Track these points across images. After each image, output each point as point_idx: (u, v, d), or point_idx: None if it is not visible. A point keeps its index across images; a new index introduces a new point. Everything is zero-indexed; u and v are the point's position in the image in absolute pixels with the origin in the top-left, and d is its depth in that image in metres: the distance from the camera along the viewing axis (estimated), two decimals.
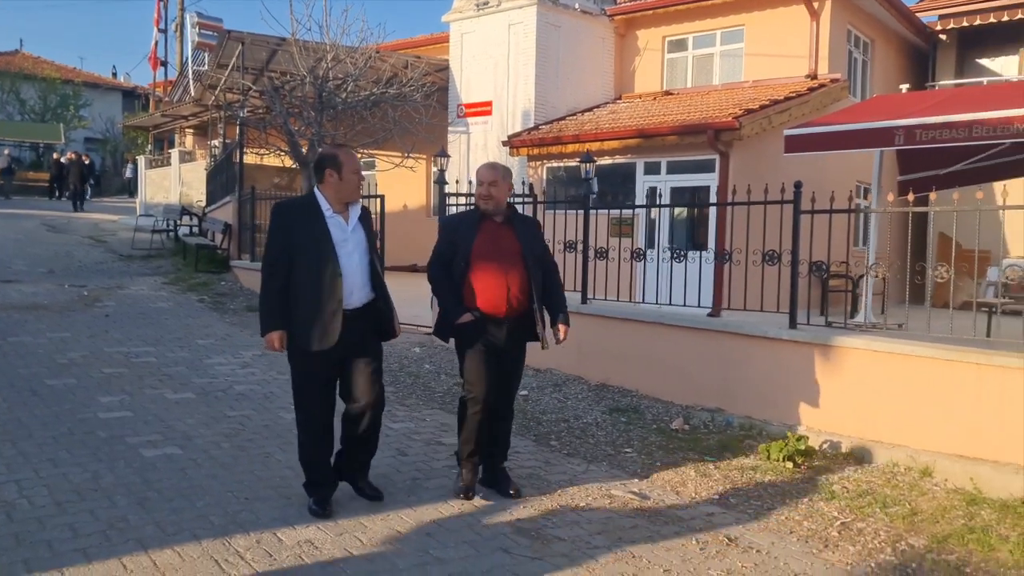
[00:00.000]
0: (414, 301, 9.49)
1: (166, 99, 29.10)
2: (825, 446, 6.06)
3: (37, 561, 3.75)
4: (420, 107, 14.77)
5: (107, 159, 39.99)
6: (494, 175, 4.78)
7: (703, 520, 4.72)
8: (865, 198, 13.76)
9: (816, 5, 13.49)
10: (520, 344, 4.90)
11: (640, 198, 12.60)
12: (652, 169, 13.12)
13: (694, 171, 12.60)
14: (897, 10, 14.88)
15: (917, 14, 15.84)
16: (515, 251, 4.74)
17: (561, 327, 4.89)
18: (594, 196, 8.94)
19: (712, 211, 11.51)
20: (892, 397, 5.92)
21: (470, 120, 15.64)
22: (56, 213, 23.92)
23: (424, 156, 17.07)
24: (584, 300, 8.16)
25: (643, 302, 8.33)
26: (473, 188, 5.12)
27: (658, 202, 10.29)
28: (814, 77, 13.42)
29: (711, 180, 12.11)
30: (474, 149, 15.51)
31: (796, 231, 6.65)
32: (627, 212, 10.90)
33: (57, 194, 29.59)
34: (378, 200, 10.89)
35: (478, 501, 4.81)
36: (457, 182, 11.36)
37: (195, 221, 19.46)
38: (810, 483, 5.43)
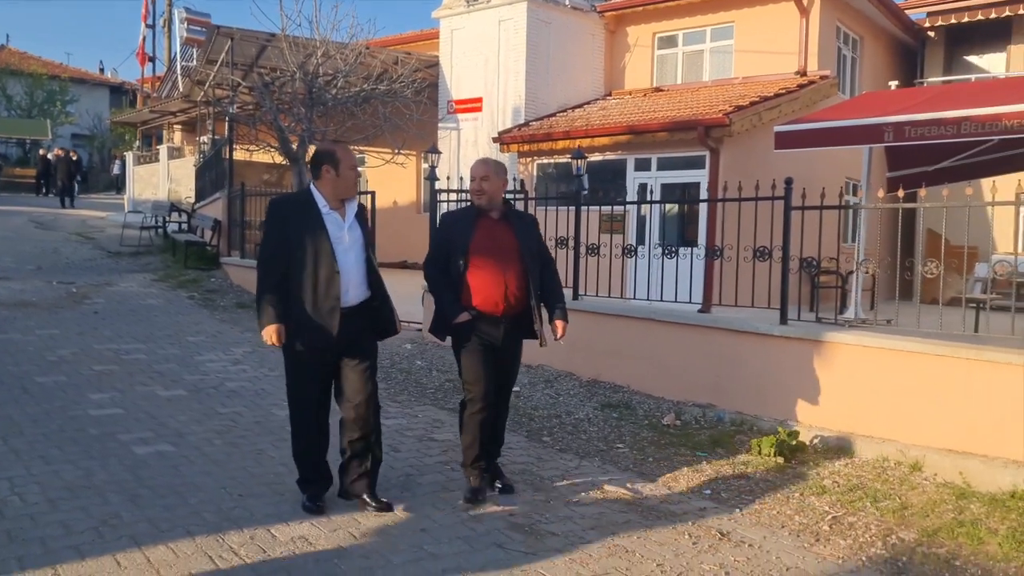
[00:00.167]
0: (405, 298, 9.46)
1: (154, 95, 28.98)
2: (816, 441, 6.10)
3: (31, 558, 3.74)
4: (410, 103, 14.76)
5: (94, 155, 39.79)
6: (485, 170, 4.75)
7: (695, 515, 4.75)
8: (854, 194, 13.83)
9: (805, 2, 13.54)
10: (517, 341, 4.88)
11: (631, 194, 12.62)
12: (642, 165, 13.15)
13: (684, 167, 12.63)
14: (886, 7, 14.95)
15: (905, 11, 15.91)
16: (513, 248, 4.71)
17: (559, 323, 4.84)
18: (585, 193, 8.94)
19: (702, 207, 11.54)
20: (882, 392, 5.96)
21: (460, 116, 15.63)
22: (43, 210, 23.77)
23: (414, 152, 17.07)
24: (575, 296, 8.18)
25: (634, 298, 8.36)
26: (464, 184, 5.11)
27: (649, 199, 10.29)
28: (803, 74, 13.47)
29: (701, 176, 12.14)
30: (464, 145, 15.51)
31: (787, 227, 6.68)
32: (618, 208, 10.93)
33: (44, 191, 29.41)
34: (369, 196, 10.86)
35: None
36: (448, 178, 11.34)
37: (184, 218, 19.37)
38: (801, 478, 5.46)
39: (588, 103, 15.44)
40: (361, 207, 4.63)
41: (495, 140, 14.52)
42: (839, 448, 5.98)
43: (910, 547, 4.41)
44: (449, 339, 4.83)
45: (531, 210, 8.34)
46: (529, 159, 14.54)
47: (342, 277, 4.32)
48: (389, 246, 15.42)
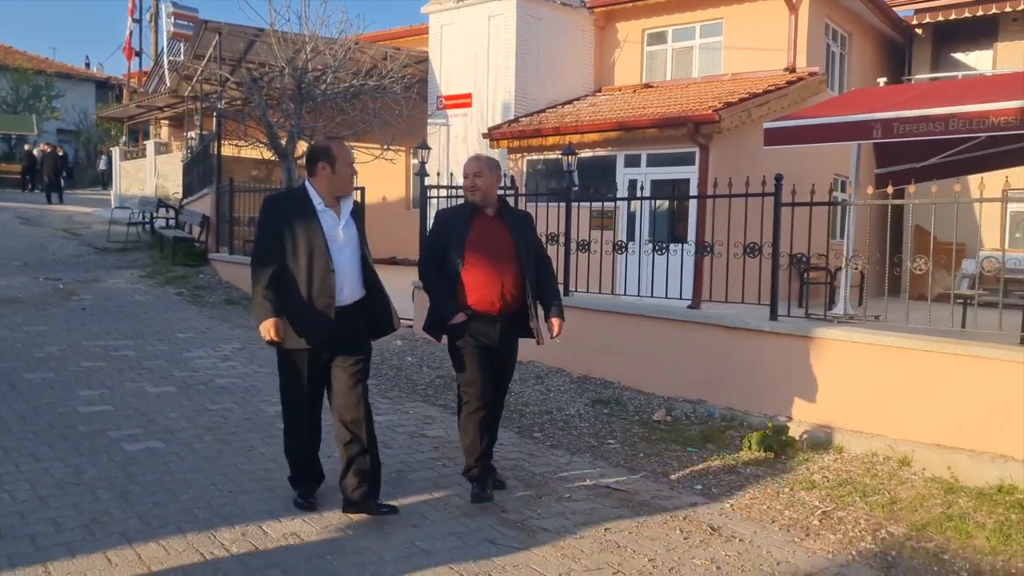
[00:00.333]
0: (395, 294, 9.33)
1: (140, 90, 28.78)
2: (805, 436, 6.13)
3: (21, 556, 3.72)
4: (400, 99, 14.74)
5: (80, 151, 39.47)
6: (478, 166, 4.71)
7: (686, 510, 4.77)
8: (843, 191, 13.89)
9: None
10: (513, 340, 4.85)
11: (621, 191, 12.63)
12: (632, 162, 13.16)
13: (674, 164, 12.65)
14: (874, 4, 15.01)
15: (893, 8, 15.98)
16: (508, 245, 4.67)
17: (555, 321, 4.79)
18: (576, 189, 8.94)
19: (692, 204, 11.57)
20: (871, 388, 6.00)
21: (450, 112, 15.60)
22: (29, 205, 23.60)
23: (403, 148, 17.05)
24: (566, 292, 8.18)
25: (624, 294, 8.37)
26: (454, 180, 5.09)
27: (639, 195, 10.31)
28: (792, 71, 13.50)
29: (691, 173, 12.16)
30: (454, 141, 15.48)
31: (777, 224, 6.70)
32: (608, 205, 10.94)
33: (30, 186, 29.19)
34: (358, 192, 10.84)
35: (463, 493, 4.82)
36: (439, 174, 11.34)
37: (172, 214, 19.27)
38: (791, 473, 5.49)
39: (578, 99, 15.44)
40: (357, 204, 4.57)
41: (485, 136, 14.50)
42: (828, 443, 6.01)
43: (899, 541, 4.44)
44: (444, 338, 4.78)
45: (521, 206, 8.34)
46: (519, 155, 14.54)
47: (336, 275, 4.26)
48: (378, 242, 15.33)
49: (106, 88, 42.76)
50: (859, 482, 5.28)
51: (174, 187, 22.57)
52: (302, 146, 14.25)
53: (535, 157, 14.42)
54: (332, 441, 4.54)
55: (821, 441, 6.05)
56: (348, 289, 4.36)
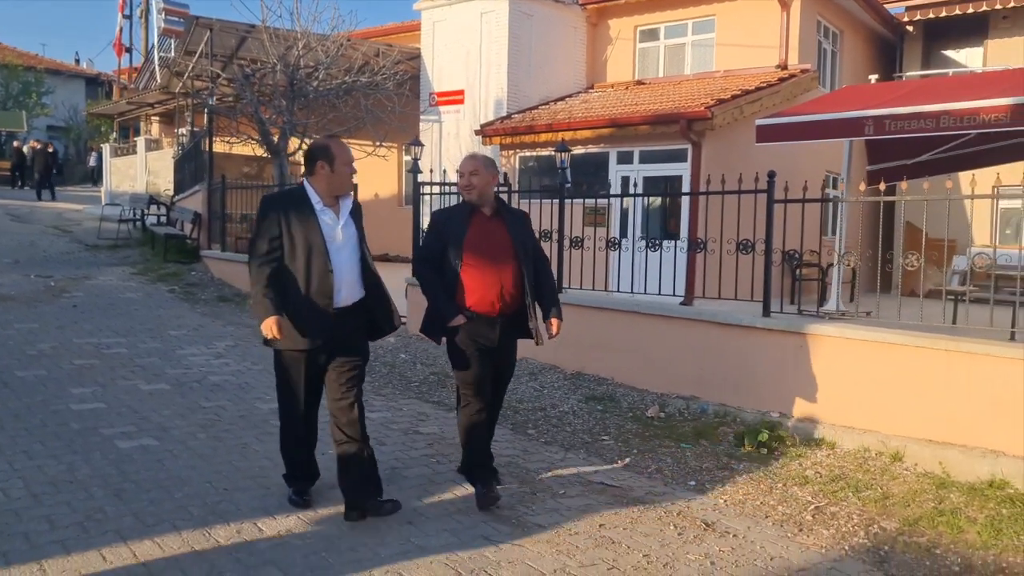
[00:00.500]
0: (389, 291, 9.46)
1: (131, 86, 28.68)
2: (798, 432, 6.15)
3: (15, 553, 3.72)
4: (392, 95, 14.70)
5: (70, 147, 39.27)
6: (474, 164, 4.65)
7: (680, 506, 4.79)
8: (834, 187, 13.94)
9: None
10: (513, 341, 4.79)
11: (614, 187, 12.65)
12: (625, 159, 13.18)
13: (667, 160, 12.67)
14: (865, 1, 15.05)
15: (884, 5, 16.03)
16: (507, 245, 4.61)
17: (554, 322, 4.75)
18: (569, 186, 8.95)
19: (685, 200, 11.59)
20: (863, 383, 6.03)
21: (442, 109, 15.58)
22: (19, 202, 23.48)
23: (396, 145, 17.01)
24: (560, 289, 8.19)
25: (618, 291, 8.38)
26: (447, 177, 5.05)
27: (632, 192, 10.33)
28: (784, 67, 13.54)
29: (683, 170, 12.19)
30: (446, 138, 15.46)
31: (770, 220, 6.73)
32: (601, 201, 10.96)
33: (20, 183, 29.03)
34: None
35: (458, 490, 4.83)
36: (432, 171, 11.34)
37: (163, 210, 19.21)
38: (784, 468, 5.52)
39: (570, 96, 15.45)
40: (356, 204, 4.50)
41: (477, 133, 14.50)
42: (821, 439, 6.04)
43: (892, 536, 4.47)
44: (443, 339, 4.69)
45: (514, 203, 8.34)
46: (511, 152, 14.53)
47: (335, 276, 4.21)
48: (371, 239, 15.12)
49: (96, 84, 42.52)
50: (852, 477, 5.31)
51: (165, 184, 22.50)
52: (294, 143, 14.22)
53: (528, 154, 14.42)
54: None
55: (814, 437, 6.08)
56: (347, 290, 4.30)
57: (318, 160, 4.28)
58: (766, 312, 6.74)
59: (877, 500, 4.95)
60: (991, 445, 5.39)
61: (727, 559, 4.09)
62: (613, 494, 4.93)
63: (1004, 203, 14.01)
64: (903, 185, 6.39)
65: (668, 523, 4.51)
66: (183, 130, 21.38)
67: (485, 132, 14.34)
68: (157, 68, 21.48)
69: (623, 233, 10.87)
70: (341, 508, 4.39)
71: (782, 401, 6.45)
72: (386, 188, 18.37)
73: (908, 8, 16.05)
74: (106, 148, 28.02)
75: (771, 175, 6.71)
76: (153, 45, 23.70)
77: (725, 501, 4.91)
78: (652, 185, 12.66)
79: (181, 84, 19.69)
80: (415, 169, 9.57)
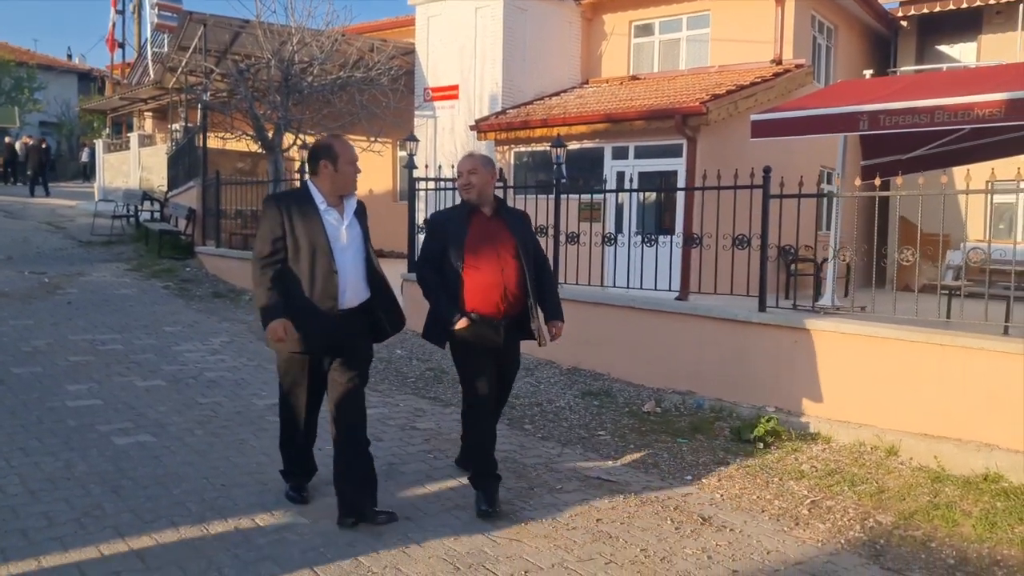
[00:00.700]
0: None
1: (124, 82, 28.55)
2: (794, 426, 6.17)
3: (13, 550, 3.72)
4: (387, 91, 14.67)
5: (63, 143, 39.12)
6: (472, 163, 4.58)
7: (677, 500, 4.81)
8: (829, 182, 13.96)
9: None
10: (516, 342, 4.73)
11: (609, 183, 12.65)
12: (620, 154, 13.18)
13: (662, 156, 12.68)
14: None
15: (878, 0, 16.05)
16: (509, 245, 4.51)
17: (557, 324, 4.68)
18: (564, 181, 8.95)
19: (680, 196, 11.60)
20: (859, 378, 6.05)
21: (437, 104, 15.55)
22: (11, 198, 23.37)
23: (391, 140, 16.98)
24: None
25: (613, 286, 8.39)
26: (441, 173, 5.00)
27: (628, 187, 10.34)
28: (779, 63, 13.54)
29: (679, 165, 12.19)
30: (441, 133, 15.44)
31: (765, 216, 6.74)
32: (597, 197, 10.96)
33: (12, 179, 28.90)
34: None
35: (454, 484, 4.84)
36: (427, 167, 11.32)
37: (157, 207, 19.14)
38: (780, 463, 5.54)
39: (565, 91, 15.43)
40: (360, 203, 4.42)
41: (472, 128, 14.48)
42: (817, 433, 6.07)
43: (887, 530, 4.49)
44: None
45: (510, 198, 8.34)
46: (506, 147, 14.52)
47: (339, 277, 4.14)
48: None
49: (89, 80, 42.33)
50: (847, 471, 5.34)
51: (159, 180, 22.39)
52: (288, 138, 14.19)
53: (523, 149, 14.41)
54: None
55: (809, 431, 6.10)
56: (351, 291, 4.22)
57: (321, 159, 4.21)
58: (762, 307, 6.76)
59: (873, 494, 4.97)
60: (985, 439, 5.42)
61: (724, 553, 4.11)
62: (610, 489, 4.95)
63: (998, 198, 14.04)
64: (898, 180, 6.40)
65: (665, 517, 4.52)
66: (177, 126, 21.29)
67: (480, 127, 14.32)
68: (150, 63, 21.39)
69: (618, 229, 10.88)
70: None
71: (778, 396, 6.47)
72: (381, 184, 18.33)
73: (902, 3, 16.07)
74: (99, 144, 27.91)
75: (767, 170, 6.73)
76: (146, 40, 23.63)
77: (722, 495, 4.93)
78: (647, 180, 12.67)
79: (175, 80, 19.58)
80: (410, 165, 9.56)
